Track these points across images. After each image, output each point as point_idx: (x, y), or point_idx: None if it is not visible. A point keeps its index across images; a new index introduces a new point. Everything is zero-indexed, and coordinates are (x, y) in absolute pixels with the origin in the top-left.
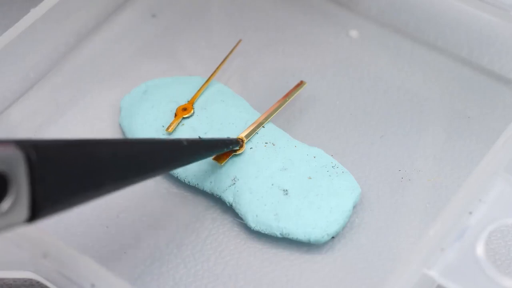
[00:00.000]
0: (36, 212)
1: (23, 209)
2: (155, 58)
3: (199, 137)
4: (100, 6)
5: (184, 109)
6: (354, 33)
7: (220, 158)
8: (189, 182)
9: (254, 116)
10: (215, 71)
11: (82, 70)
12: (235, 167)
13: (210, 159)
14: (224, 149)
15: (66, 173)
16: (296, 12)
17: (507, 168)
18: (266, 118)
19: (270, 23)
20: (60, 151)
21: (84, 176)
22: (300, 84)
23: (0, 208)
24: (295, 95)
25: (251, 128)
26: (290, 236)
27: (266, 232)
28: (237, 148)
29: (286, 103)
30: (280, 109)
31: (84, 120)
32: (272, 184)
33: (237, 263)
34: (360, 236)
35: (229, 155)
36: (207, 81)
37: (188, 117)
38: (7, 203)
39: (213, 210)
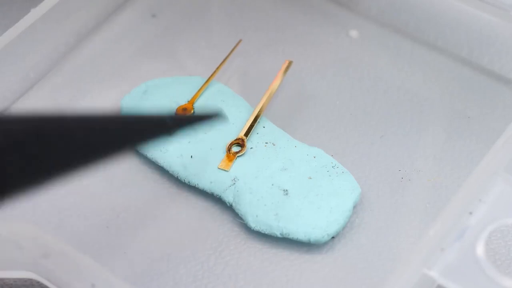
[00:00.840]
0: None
1: None
2: (155, 58)
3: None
4: (100, 6)
5: (184, 109)
6: (354, 33)
7: (226, 165)
8: (189, 182)
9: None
10: (215, 71)
11: (82, 70)
12: (235, 167)
13: (213, 163)
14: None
15: (32, 150)
16: (296, 12)
17: (507, 168)
18: (261, 110)
19: (270, 23)
20: (26, 127)
21: (50, 154)
22: (287, 64)
23: None
24: (284, 76)
25: (249, 123)
26: (290, 236)
27: (266, 232)
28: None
29: (277, 87)
30: (272, 95)
31: None
32: (272, 184)
33: (237, 263)
34: (360, 236)
35: (233, 159)
36: (207, 81)
37: None
38: None
39: (213, 210)
